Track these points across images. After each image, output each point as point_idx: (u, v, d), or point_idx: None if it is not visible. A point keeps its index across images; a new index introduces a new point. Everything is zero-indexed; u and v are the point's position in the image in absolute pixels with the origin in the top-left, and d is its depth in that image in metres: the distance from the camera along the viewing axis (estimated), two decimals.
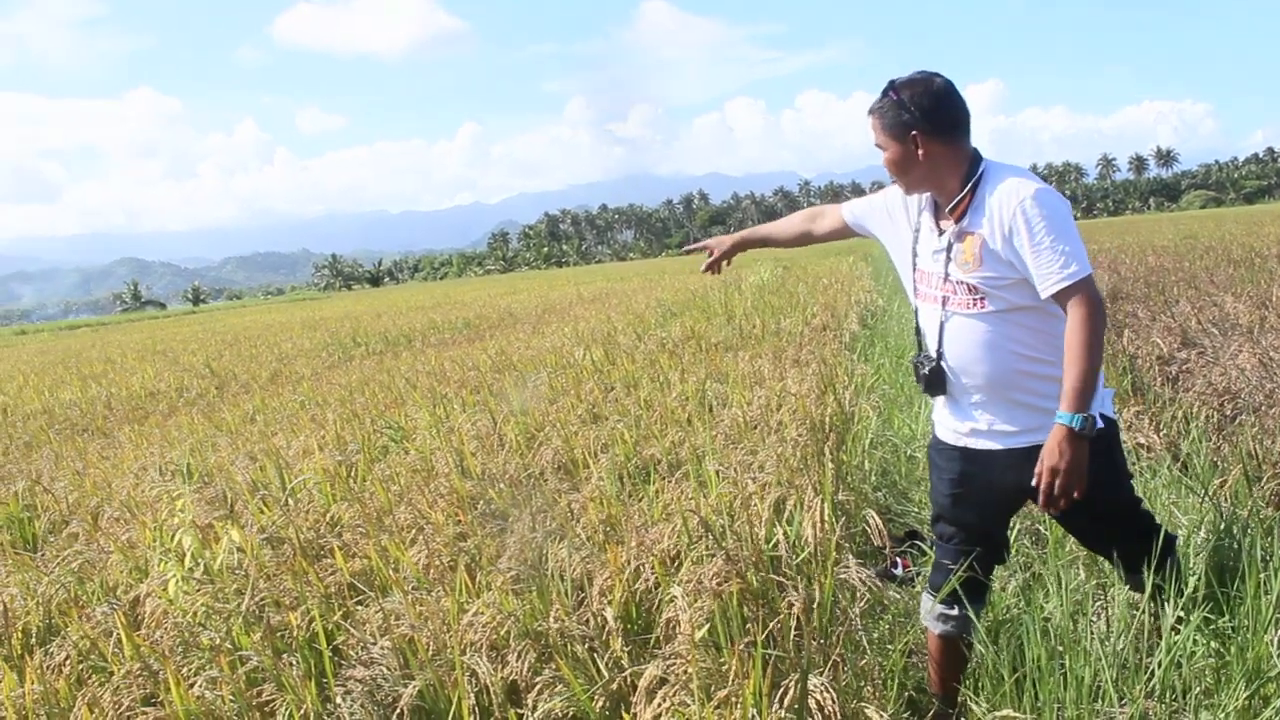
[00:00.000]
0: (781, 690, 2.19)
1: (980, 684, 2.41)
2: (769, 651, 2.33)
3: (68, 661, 2.79)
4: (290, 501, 4.17)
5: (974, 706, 2.36)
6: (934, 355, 2.32)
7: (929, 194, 2.29)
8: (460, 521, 3.47)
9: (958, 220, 2.20)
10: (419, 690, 2.38)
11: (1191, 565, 2.57)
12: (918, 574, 3.30)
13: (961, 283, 2.21)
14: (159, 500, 4.41)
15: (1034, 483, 2.12)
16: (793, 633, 2.50)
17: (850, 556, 3.00)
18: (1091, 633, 2.35)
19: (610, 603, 2.66)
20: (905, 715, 2.51)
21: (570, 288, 30.03)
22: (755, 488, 3.38)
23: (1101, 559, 2.75)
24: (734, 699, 2.14)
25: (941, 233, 2.26)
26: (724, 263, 2.97)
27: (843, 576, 2.80)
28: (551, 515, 3.41)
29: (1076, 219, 2.24)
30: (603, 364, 7.42)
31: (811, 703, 2.17)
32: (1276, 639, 2.22)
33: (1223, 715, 2.12)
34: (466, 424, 5.32)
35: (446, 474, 4.23)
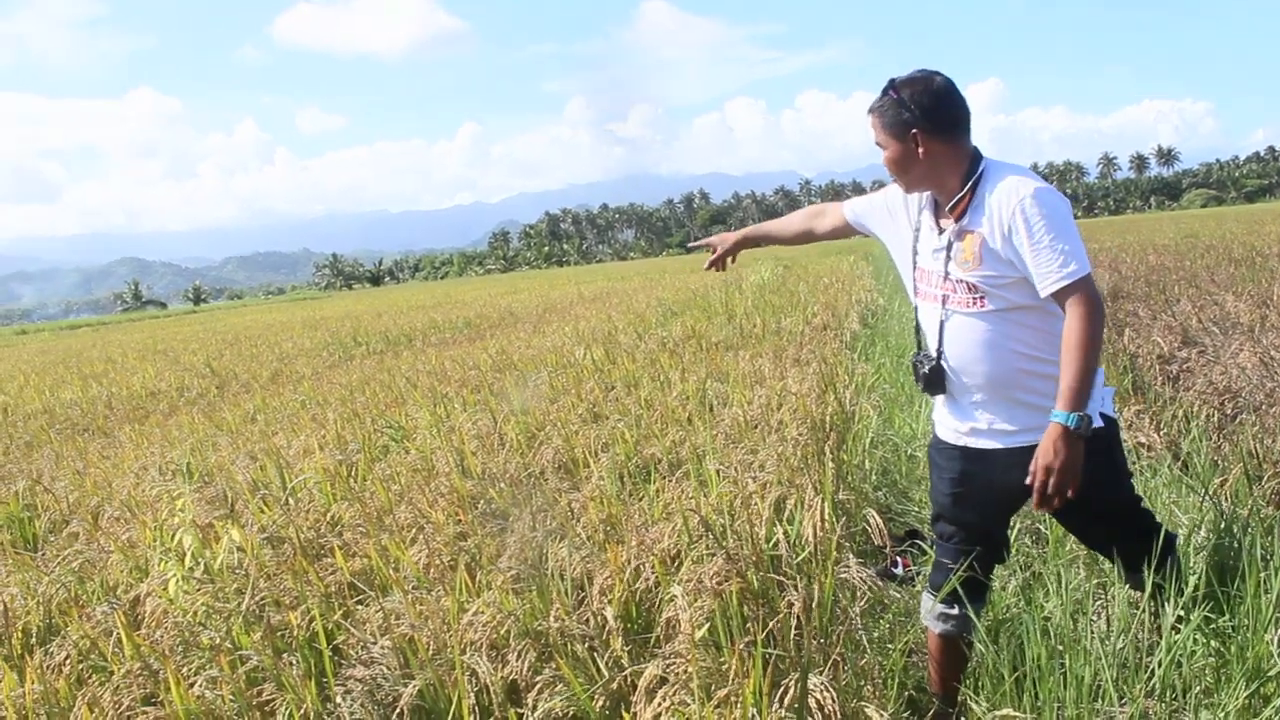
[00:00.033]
0: (781, 689, 2.19)
1: (980, 683, 2.41)
2: (769, 651, 2.33)
3: (68, 661, 2.80)
4: (290, 501, 4.17)
5: (974, 706, 2.36)
6: (934, 354, 2.32)
7: (929, 193, 2.29)
8: (460, 521, 3.47)
9: (958, 219, 2.20)
10: (419, 690, 2.38)
11: (1192, 564, 2.57)
12: (918, 573, 3.30)
13: (961, 281, 2.21)
14: (159, 500, 4.41)
15: (1028, 481, 2.12)
16: (793, 632, 2.50)
17: (850, 556, 3.00)
18: (1092, 632, 2.35)
19: (610, 602, 2.66)
20: (905, 714, 2.51)
21: (571, 287, 30.04)
22: (756, 487, 3.38)
23: (1102, 558, 2.75)
24: (734, 698, 2.14)
25: (941, 231, 2.26)
26: (728, 260, 2.97)
27: (843, 576, 2.80)
28: (552, 514, 3.41)
29: (1077, 218, 2.24)
30: (603, 363, 7.43)
31: (811, 702, 2.17)
32: (1277, 638, 2.22)
33: (1223, 714, 2.11)
34: (467, 423, 5.33)
35: (447, 473, 4.23)
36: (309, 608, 2.76)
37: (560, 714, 2.35)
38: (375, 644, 2.59)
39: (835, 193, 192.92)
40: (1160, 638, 2.30)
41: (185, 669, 2.60)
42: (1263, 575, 2.32)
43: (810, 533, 3.00)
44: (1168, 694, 2.22)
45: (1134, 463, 3.90)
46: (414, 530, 3.50)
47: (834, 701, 2.18)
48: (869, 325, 9.94)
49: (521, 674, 2.46)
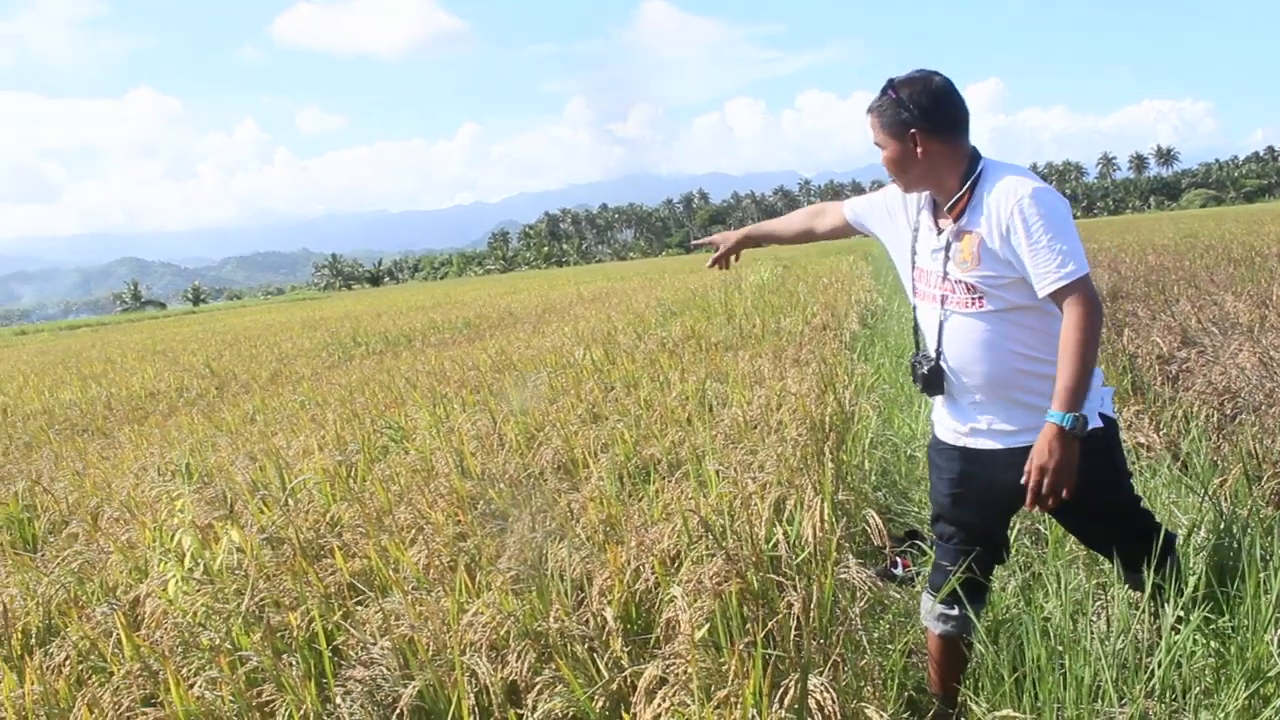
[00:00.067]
0: (781, 690, 2.19)
1: (980, 684, 2.41)
2: (769, 651, 2.33)
3: (67, 662, 2.79)
4: (290, 502, 4.17)
5: (974, 706, 2.36)
6: (933, 355, 2.32)
7: (928, 192, 2.29)
8: (460, 521, 3.47)
9: (956, 219, 2.20)
10: (419, 690, 2.38)
11: (1191, 565, 2.57)
12: (918, 574, 3.30)
13: (960, 282, 2.21)
14: (159, 500, 4.41)
15: (1022, 480, 2.12)
16: (793, 632, 2.50)
17: (850, 556, 3.00)
18: (1091, 632, 2.35)
19: (610, 603, 2.66)
20: (905, 715, 2.51)
21: (570, 287, 30.03)
22: (755, 487, 3.38)
23: (1102, 558, 2.75)
24: (734, 699, 2.14)
25: (940, 231, 2.26)
26: (731, 258, 2.97)
27: (843, 576, 2.80)
28: (551, 515, 3.41)
29: (1077, 218, 2.24)
30: (603, 364, 7.43)
31: (811, 703, 2.17)
32: (1276, 639, 2.22)
33: (1222, 715, 2.11)
34: (466, 424, 5.32)
35: (446, 474, 4.23)
36: (309, 608, 2.76)
37: (560, 715, 2.35)
38: (375, 645, 2.59)
39: (835, 193, 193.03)
40: (1160, 638, 2.30)
41: (185, 670, 2.59)
42: (1262, 575, 2.32)
43: (810, 533, 3.00)
44: (1167, 694, 2.22)
45: (1133, 463, 3.90)
46: (413, 531, 3.50)
47: (834, 702, 2.18)
48: (868, 325, 9.94)
49: (521, 675, 2.46)
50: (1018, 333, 2.19)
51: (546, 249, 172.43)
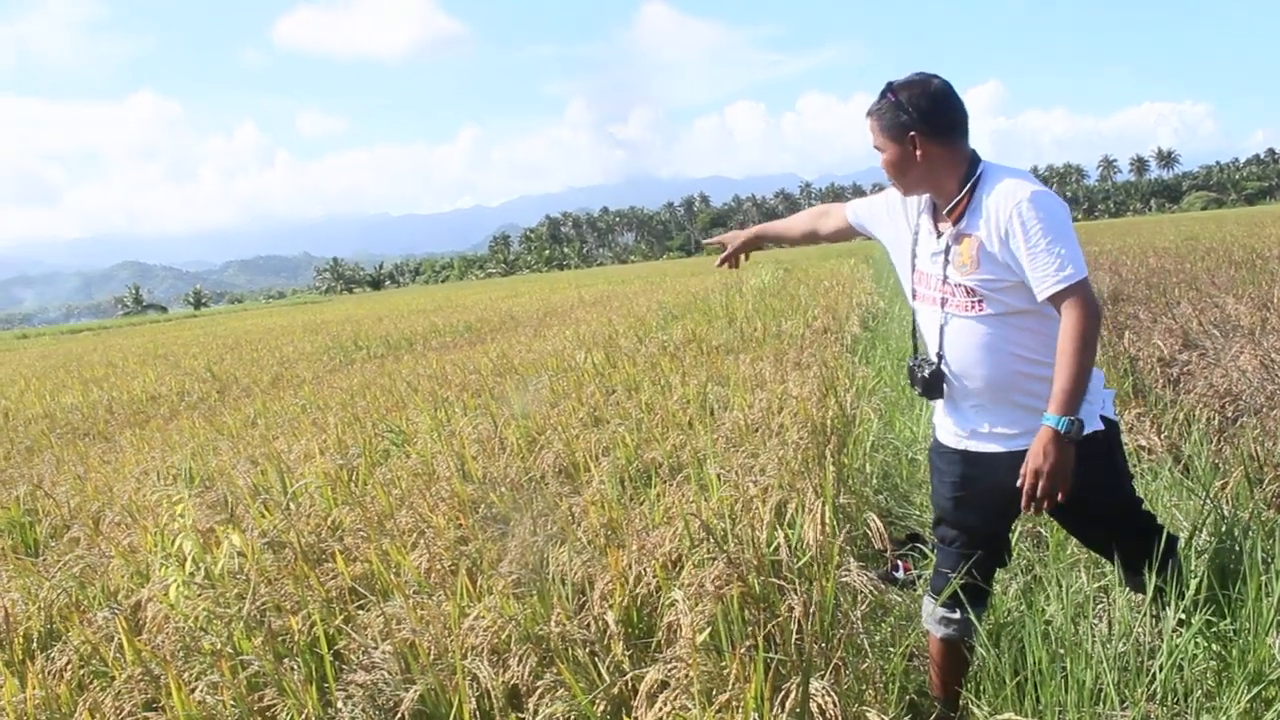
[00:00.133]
0: (783, 694, 2.18)
1: (982, 687, 2.41)
2: (770, 655, 2.33)
3: (69, 666, 2.80)
4: (291, 505, 4.17)
5: (975, 710, 2.36)
6: (934, 358, 2.32)
7: (927, 196, 2.30)
8: (461, 525, 3.47)
9: (955, 222, 2.20)
10: (420, 695, 2.38)
11: (1193, 568, 2.56)
12: (919, 577, 3.30)
13: (960, 285, 2.21)
14: (160, 505, 4.41)
15: (1018, 483, 2.12)
16: (794, 636, 2.50)
17: (851, 560, 3.00)
18: (1093, 636, 2.35)
19: (611, 606, 2.66)
20: (907, 719, 2.51)
21: (571, 290, 30.05)
22: (756, 491, 3.38)
23: (1104, 561, 2.75)
24: (735, 703, 2.14)
25: (940, 235, 2.26)
26: (742, 257, 2.97)
27: (844, 580, 2.79)
28: (552, 519, 3.41)
29: (1078, 220, 2.25)
30: (604, 367, 7.43)
31: (813, 706, 2.17)
32: (1278, 642, 2.21)
33: (1224, 718, 2.11)
34: (468, 427, 5.33)
35: (448, 478, 4.23)
36: (310, 613, 2.76)
37: (561, 719, 2.35)
38: (376, 649, 2.59)
39: (835, 195, 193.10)
40: (1161, 641, 2.30)
41: (186, 674, 2.60)
42: (1264, 578, 2.32)
43: (811, 537, 3.00)
44: (1169, 698, 2.22)
45: (1135, 465, 3.90)
46: (415, 535, 3.50)
47: (835, 705, 2.18)
48: (870, 328, 9.94)
49: (522, 679, 2.46)
50: (1018, 336, 2.19)
51: (547, 252, 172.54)
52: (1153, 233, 29.92)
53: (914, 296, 2.38)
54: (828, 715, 2.17)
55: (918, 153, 2.17)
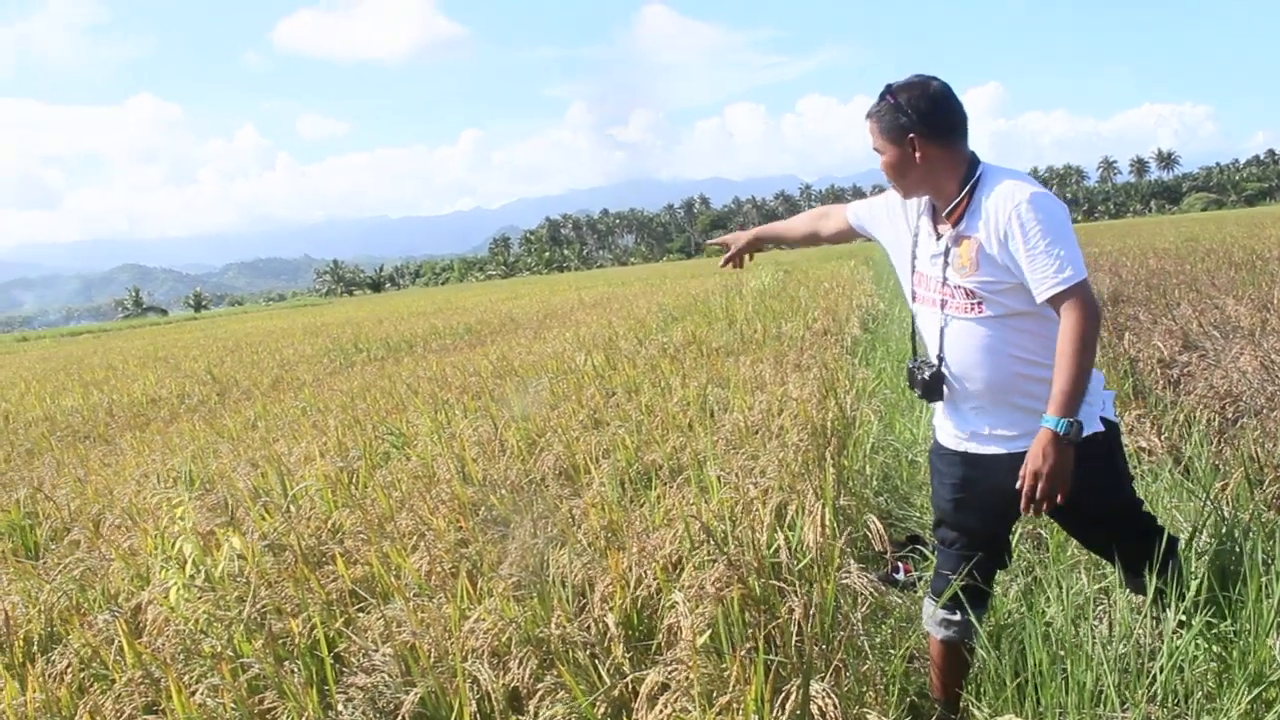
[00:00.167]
0: (783, 696, 2.18)
1: (982, 689, 2.41)
2: (771, 657, 2.33)
3: (69, 669, 2.80)
4: (292, 508, 4.18)
5: (976, 712, 2.36)
6: (935, 360, 2.32)
7: (927, 198, 2.30)
8: (462, 528, 3.47)
9: (955, 224, 2.20)
10: (420, 697, 2.38)
11: (1193, 569, 2.57)
12: (919, 579, 3.30)
13: (959, 287, 2.21)
14: (160, 507, 4.41)
15: (1017, 485, 2.12)
16: (794, 638, 2.50)
17: (852, 561, 3.00)
18: (1093, 637, 2.35)
19: (612, 609, 2.66)
20: None
21: (571, 293, 30.05)
22: (757, 493, 3.38)
23: (1104, 562, 2.75)
24: (736, 705, 2.14)
25: (939, 237, 2.26)
26: (746, 257, 2.97)
27: (844, 581, 2.80)
28: (553, 521, 3.41)
29: (1078, 222, 2.25)
30: (604, 369, 7.43)
31: (813, 708, 2.17)
32: (1278, 643, 2.21)
33: None
34: (468, 430, 5.33)
35: (448, 480, 4.23)
36: (310, 615, 2.76)
37: None
38: (377, 651, 2.59)
39: (835, 197, 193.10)
40: (1162, 643, 2.30)
41: (187, 677, 2.60)
42: (1264, 580, 2.32)
43: (811, 538, 3.00)
44: (1170, 699, 2.22)
45: (1135, 467, 3.90)
46: (415, 537, 3.50)
47: (836, 707, 2.18)
48: (870, 330, 9.94)
49: (523, 681, 2.46)
50: (1018, 338, 2.20)
51: (548, 254, 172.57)
52: (1153, 234, 29.93)
53: (914, 298, 2.38)
54: (828, 717, 2.17)
55: (917, 155, 2.17)
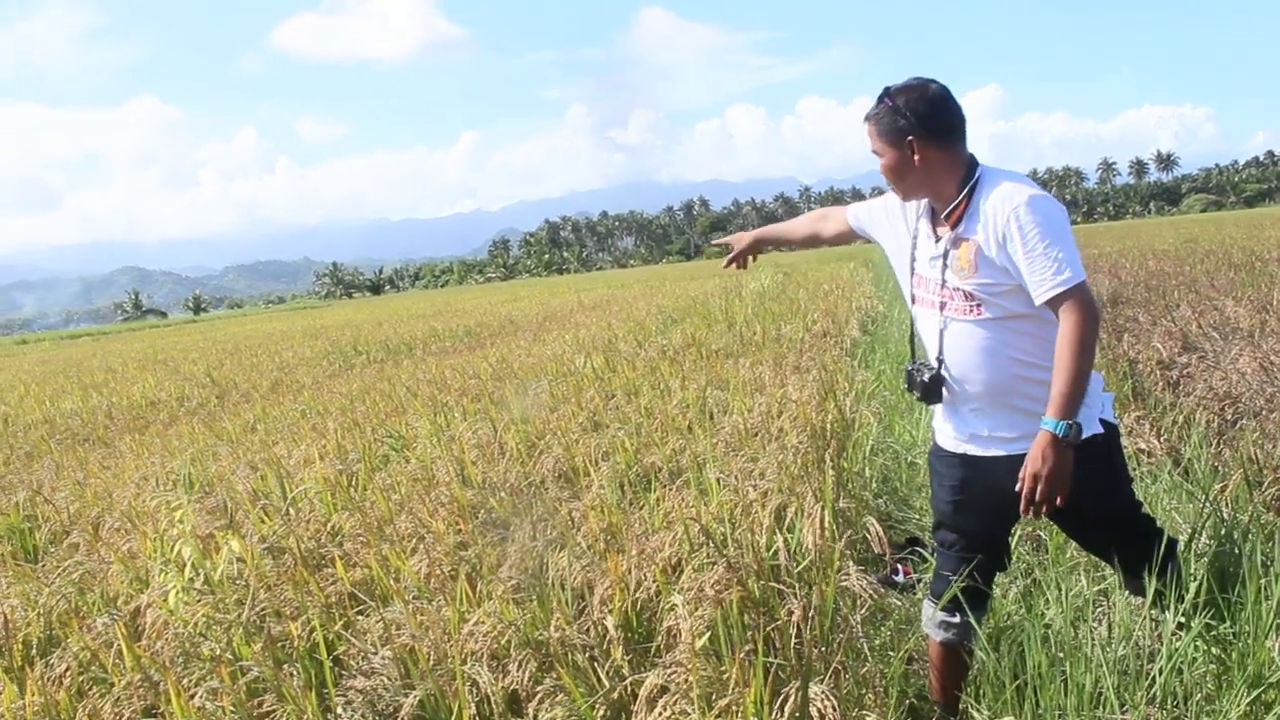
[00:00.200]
0: (782, 698, 2.18)
1: (981, 691, 2.41)
2: (770, 659, 2.33)
3: (68, 673, 2.79)
4: (291, 511, 4.17)
5: (975, 714, 2.36)
6: (934, 363, 2.32)
7: (926, 200, 2.30)
8: (461, 530, 3.47)
9: (954, 226, 2.20)
10: (420, 700, 2.38)
11: (1192, 570, 2.56)
12: (919, 581, 3.30)
13: (958, 289, 2.22)
14: (159, 510, 4.41)
15: (1016, 488, 2.12)
16: (793, 640, 2.50)
17: (851, 563, 3.00)
18: (1093, 639, 2.35)
19: (611, 611, 2.66)
20: None
21: (571, 295, 30.06)
22: (756, 495, 3.38)
23: (1103, 564, 2.75)
24: (735, 707, 2.14)
25: (938, 239, 2.26)
26: (749, 258, 2.97)
27: (844, 584, 2.80)
28: (552, 524, 3.41)
29: (1077, 223, 2.25)
30: (603, 371, 7.43)
31: (813, 710, 2.17)
32: (1278, 645, 2.22)
33: None
34: (467, 432, 5.33)
35: (447, 483, 4.23)
36: (309, 618, 2.76)
37: None
38: (376, 654, 2.59)
39: (835, 199, 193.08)
40: (1161, 644, 2.30)
41: (186, 680, 2.59)
42: (1263, 581, 2.32)
43: (811, 541, 3.00)
44: (1169, 701, 2.22)
45: (1134, 469, 3.90)
46: (414, 540, 3.50)
47: (835, 710, 2.18)
48: (869, 332, 9.95)
49: (522, 684, 2.46)
50: (1017, 340, 2.20)
51: (547, 257, 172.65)
52: (1152, 235, 29.95)
53: (913, 300, 2.38)
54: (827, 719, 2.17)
55: (916, 157, 2.18)
